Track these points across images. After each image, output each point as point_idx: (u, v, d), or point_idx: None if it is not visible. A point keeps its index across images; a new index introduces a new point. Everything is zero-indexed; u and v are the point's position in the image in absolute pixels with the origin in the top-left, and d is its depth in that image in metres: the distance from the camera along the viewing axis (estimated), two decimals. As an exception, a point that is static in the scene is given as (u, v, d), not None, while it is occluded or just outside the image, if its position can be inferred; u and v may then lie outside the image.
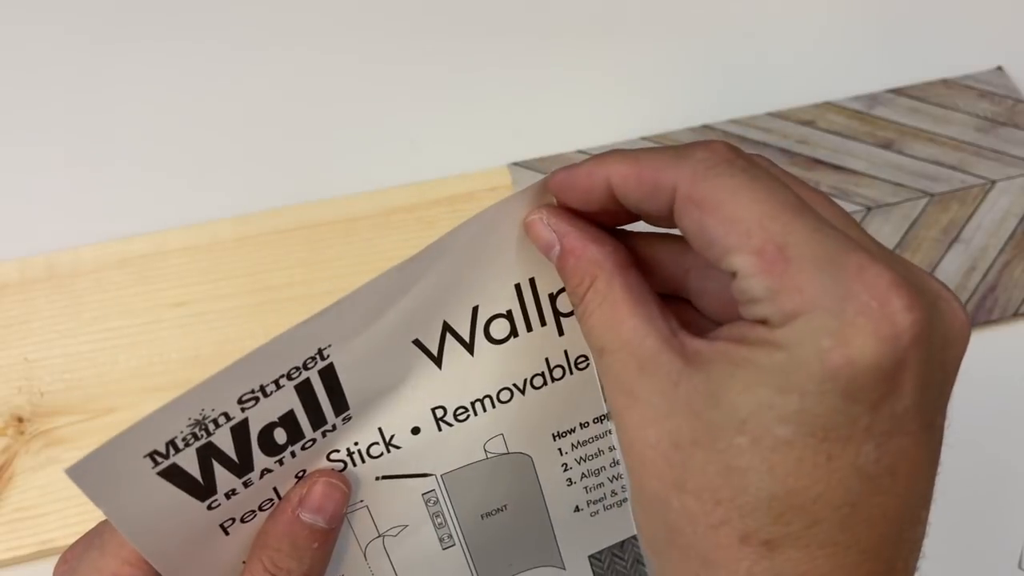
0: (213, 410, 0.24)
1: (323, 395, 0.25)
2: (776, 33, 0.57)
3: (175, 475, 0.23)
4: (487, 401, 0.28)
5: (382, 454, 0.27)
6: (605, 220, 0.26)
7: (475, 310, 0.26)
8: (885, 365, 0.21)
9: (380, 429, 0.27)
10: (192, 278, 0.46)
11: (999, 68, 0.55)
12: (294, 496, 0.26)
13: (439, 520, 0.29)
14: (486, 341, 0.27)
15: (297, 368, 0.24)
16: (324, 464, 0.27)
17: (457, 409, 0.27)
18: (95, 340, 0.44)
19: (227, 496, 0.25)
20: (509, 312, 0.27)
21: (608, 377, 0.24)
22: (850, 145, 0.51)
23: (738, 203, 0.22)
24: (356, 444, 0.27)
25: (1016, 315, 0.46)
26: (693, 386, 0.22)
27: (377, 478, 0.28)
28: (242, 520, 0.26)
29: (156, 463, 0.23)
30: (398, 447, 0.27)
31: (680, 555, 0.22)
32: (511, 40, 0.56)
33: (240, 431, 0.24)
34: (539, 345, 0.28)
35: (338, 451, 0.27)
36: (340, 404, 0.26)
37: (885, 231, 0.48)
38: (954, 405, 0.46)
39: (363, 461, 0.27)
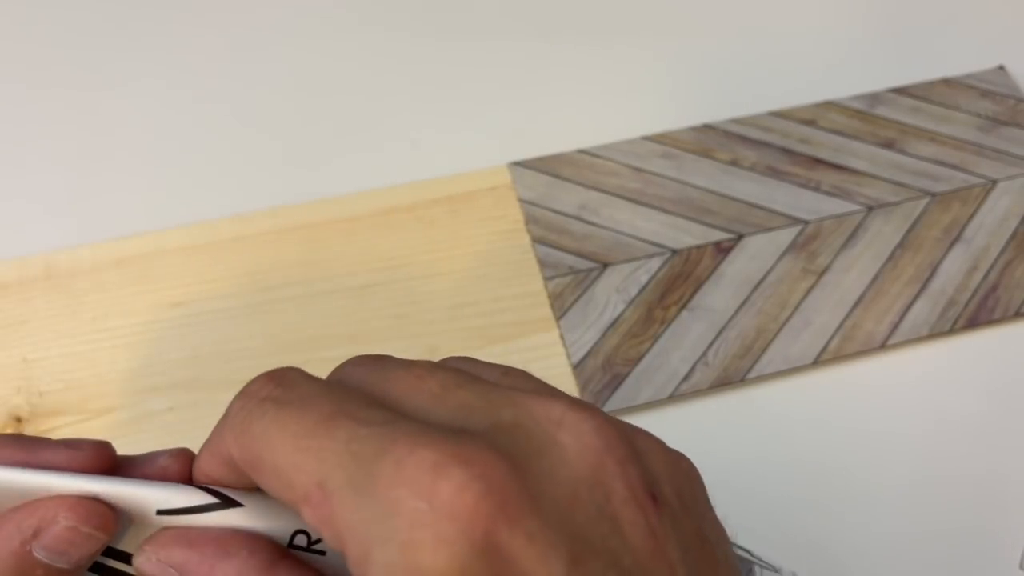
0: None
1: None
2: (777, 32, 0.57)
3: None
4: None
5: None
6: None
7: None
8: (475, 569, 0.17)
9: None
10: (191, 278, 0.46)
11: (1001, 67, 0.55)
12: (26, 524, 0.22)
13: None
14: None
15: None
16: None
17: None
18: (94, 340, 0.44)
19: None
20: None
21: None
22: (851, 144, 0.51)
23: (274, 449, 0.19)
24: None
25: (1018, 315, 0.46)
26: None
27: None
28: None
29: None
30: None
31: None
32: (511, 39, 0.56)
33: None
34: None
35: None
36: None
37: (886, 231, 0.48)
38: (955, 405, 0.47)
39: None
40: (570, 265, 0.46)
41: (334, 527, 0.18)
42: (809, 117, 0.52)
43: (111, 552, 0.23)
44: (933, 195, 0.49)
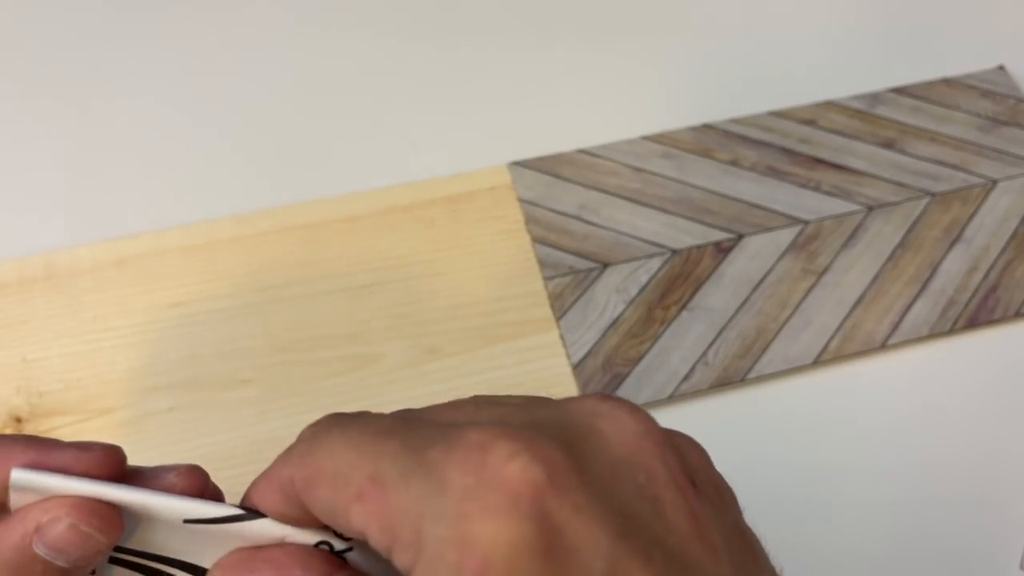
0: None
1: None
2: (776, 32, 0.57)
3: None
4: None
5: None
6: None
7: None
8: (526, 537, 0.17)
9: None
10: (190, 278, 0.46)
11: (1001, 67, 0.55)
12: (30, 518, 0.22)
13: None
14: None
15: None
16: None
17: None
18: (94, 340, 0.44)
19: None
20: None
21: None
22: (851, 144, 0.51)
23: (335, 454, 0.20)
24: None
25: (1018, 315, 0.45)
26: None
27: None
28: None
29: None
30: None
31: None
32: (511, 39, 0.56)
33: None
34: None
35: None
36: None
37: (886, 231, 0.48)
38: (955, 405, 0.47)
39: None
40: (570, 265, 0.46)
41: (385, 517, 0.18)
42: (809, 117, 0.52)
43: (149, 555, 0.24)
44: (933, 195, 0.49)
